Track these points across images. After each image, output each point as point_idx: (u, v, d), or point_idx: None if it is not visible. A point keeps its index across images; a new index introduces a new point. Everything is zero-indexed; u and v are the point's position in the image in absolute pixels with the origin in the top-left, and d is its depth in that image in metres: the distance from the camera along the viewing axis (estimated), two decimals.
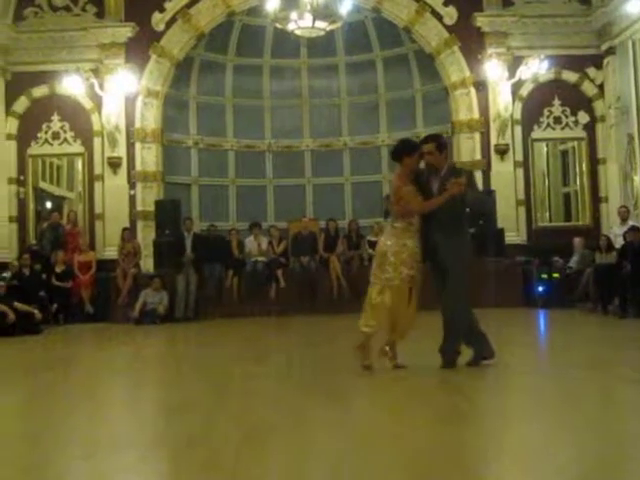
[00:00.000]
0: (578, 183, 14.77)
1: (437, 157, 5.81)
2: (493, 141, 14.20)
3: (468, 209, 6.08)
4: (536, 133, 14.55)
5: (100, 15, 14.25)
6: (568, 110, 14.50)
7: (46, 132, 14.25)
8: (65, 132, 14.26)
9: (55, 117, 14.23)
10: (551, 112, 14.51)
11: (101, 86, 13.97)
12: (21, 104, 14.16)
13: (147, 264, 13.49)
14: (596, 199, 14.46)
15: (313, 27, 12.01)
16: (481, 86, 14.29)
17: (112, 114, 13.95)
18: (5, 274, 12.12)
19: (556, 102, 14.49)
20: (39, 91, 14.18)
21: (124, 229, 13.38)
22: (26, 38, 14.14)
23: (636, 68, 13.21)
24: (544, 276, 12.71)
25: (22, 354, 8.95)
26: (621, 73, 13.76)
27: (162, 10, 14.35)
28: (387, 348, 5.76)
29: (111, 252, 13.46)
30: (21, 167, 14.19)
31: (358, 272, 12.18)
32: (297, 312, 12.34)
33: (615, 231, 12.57)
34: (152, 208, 13.76)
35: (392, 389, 5.30)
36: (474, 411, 4.44)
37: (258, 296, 12.73)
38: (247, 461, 3.30)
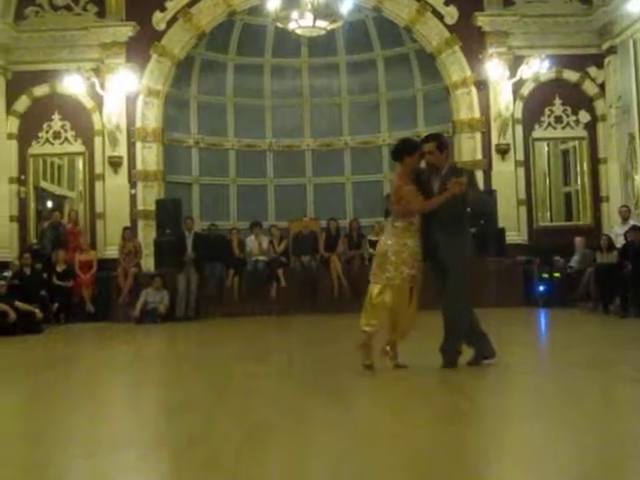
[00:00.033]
0: (579, 182, 14.77)
1: (438, 157, 5.80)
2: (494, 141, 14.20)
3: (469, 209, 6.08)
4: (537, 132, 14.55)
5: (101, 14, 14.26)
6: (569, 109, 14.50)
7: (47, 131, 14.26)
8: (66, 131, 14.27)
9: (56, 116, 14.23)
10: (552, 111, 14.51)
11: (102, 85, 13.97)
12: (22, 103, 14.17)
13: (148, 263, 13.49)
14: (597, 198, 14.46)
15: (314, 26, 12.02)
16: (482, 85, 14.28)
17: (113, 113, 13.96)
18: (6, 273, 12.12)
19: (557, 101, 14.49)
20: (40, 90, 14.19)
21: (125, 228, 13.38)
22: (27, 37, 14.14)
23: (637, 67, 13.21)
24: (545, 276, 12.72)
25: (23, 353, 8.96)
26: (622, 72, 13.75)
27: (163, 9, 14.35)
28: (388, 348, 5.76)
29: (112, 251, 13.46)
30: (22, 166, 14.20)
31: (359, 271, 12.18)
32: (298, 311, 12.34)
33: (616, 230, 12.56)
34: (153, 207, 13.77)
35: (393, 388, 5.30)
36: (475, 411, 4.44)
37: (259, 295, 12.74)
38: (248, 460, 3.30)
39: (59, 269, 12.76)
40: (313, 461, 3.34)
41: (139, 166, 14.21)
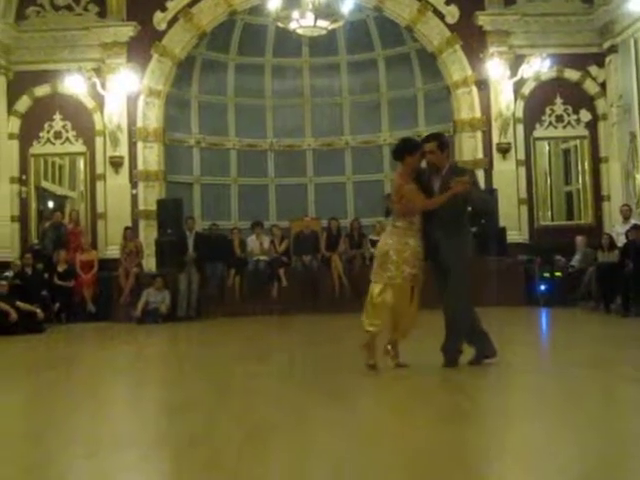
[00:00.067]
0: (580, 182, 14.77)
1: (439, 156, 5.80)
2: (495, 140, 14.20)
3: (471, 208, 6.08)
4: (538, 132, 14.55)
5: (102, 14, 14.27)
6: (570, 108, 14.50)
7: (48, 131, 14.27)
8: (67, 131, 14.28)
9: (57, 116, 14.24)
10: (553, 110, 14.51)
11: (103, 85, 13.98)
12: (23, 103, 14.18)
13: (149, 263, 13.51)
14: (598, 197, 14.46)
15: (315, 26, 12.02)
16: (483, 85, 14.28)
17: (114, 113, 13.97)
18: (7, 273, 12.13)
19: (558, 100, 14.49)
20: (41, 90, 14.20)
21: (126, 228, 13.39)
22: (28, 37, 14.16)
23: (638, 66, 13.20)
24: (546, 275, 12.71)
25: (24, 353, 8.97)
26: (623, 71, 13.75)
27: (164, 9, 14.36)
28: (389, 347, 5.76)
29: (113, 251, 13.47)
30: (23, 166, 14.22)
31: (360, 271, 12.18)
32: (299, 311, 12.34)
33: (617, 229, 12.56)
34: (154, 207, 13.78)
35: (394, 388, 5.29)
36: (476, 410, 4.44)
37: (260, 295, 12.74)
38: (249, 460, 3.30)
39: (60, 269, 12.78)
40: (314, 461, 3.34)
41: (140, 166, 14.22)
